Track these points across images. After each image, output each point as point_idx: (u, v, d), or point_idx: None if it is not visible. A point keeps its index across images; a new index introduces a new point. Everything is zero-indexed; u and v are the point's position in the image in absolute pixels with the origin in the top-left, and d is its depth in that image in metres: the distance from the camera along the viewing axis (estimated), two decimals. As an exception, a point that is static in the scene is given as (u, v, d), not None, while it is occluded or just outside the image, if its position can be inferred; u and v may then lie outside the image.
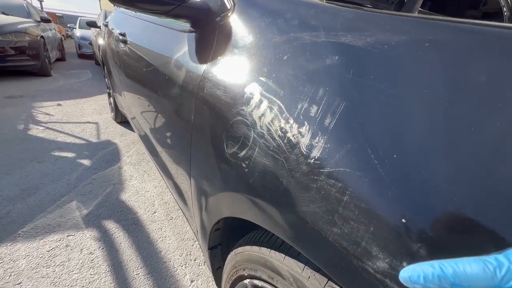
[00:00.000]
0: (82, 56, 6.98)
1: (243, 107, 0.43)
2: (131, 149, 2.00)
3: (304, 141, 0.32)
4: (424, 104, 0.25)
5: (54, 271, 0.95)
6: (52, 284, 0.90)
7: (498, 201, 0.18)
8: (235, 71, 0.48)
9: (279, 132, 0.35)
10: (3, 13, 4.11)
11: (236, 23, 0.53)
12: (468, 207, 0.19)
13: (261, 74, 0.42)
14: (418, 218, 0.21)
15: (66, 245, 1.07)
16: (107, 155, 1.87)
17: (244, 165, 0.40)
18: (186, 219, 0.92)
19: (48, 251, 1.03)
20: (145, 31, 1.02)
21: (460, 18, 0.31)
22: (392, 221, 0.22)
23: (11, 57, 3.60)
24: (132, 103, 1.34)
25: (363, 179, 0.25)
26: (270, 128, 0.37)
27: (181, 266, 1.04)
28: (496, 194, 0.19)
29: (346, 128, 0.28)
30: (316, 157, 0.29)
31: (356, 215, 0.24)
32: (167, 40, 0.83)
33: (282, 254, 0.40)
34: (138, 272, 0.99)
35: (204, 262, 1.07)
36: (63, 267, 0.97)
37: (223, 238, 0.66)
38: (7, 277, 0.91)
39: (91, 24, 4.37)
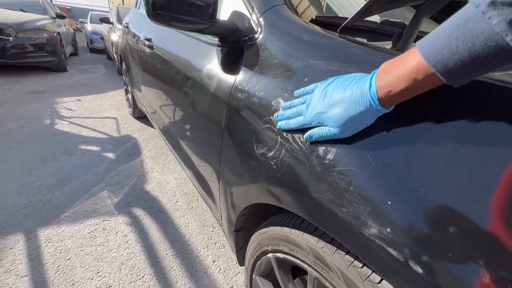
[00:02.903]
0: (93, 50, 7.14)
1: (271, 117, 0.54)
2: (150, 143, 2.15)
3: (321, 147, 0.43)
4: (412, 118, 0.36)
5: (96, 249, 1.11)
6: (96, 260, 1.06)
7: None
8: (263, 85, 0.59)
9: (301, 138, 0.47)
10: (21, 10, 4.27)
11: (263, 44, 0.63)
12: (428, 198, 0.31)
13: (286, 91, 0.53)
14: (399, 201, 0.33)
15: (103, 228, 1.22)
16: (128, 148, 2.02)
17: (272, 163, 0.52)
18: (209, 207, 1.05)
19: (89, 233, 1.19)
20: (174, 39, 1.13)
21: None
22: (380, 203, 0.34)
23: (30, 54, 3.76)
24: (155, 101, 1.47)
25: (363, 176, 0.36)
26: (294, 135, 0.48)
27: (204, 249, 1.18)
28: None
29: (352, 138, 0.40)
30: (331, 159, 0.41)
31: (358, 199, 0.36)
32: (196, 50, 0.94)
33: (301, 232, 0.52)
34: (167, 253, 1.13)
35: (224, 246, 1.21)
36: (103, 246, 1.12)
37: (247, 222, 0.79)
38: (58, 254, 1.07)
39: (104, 20, 4.49)
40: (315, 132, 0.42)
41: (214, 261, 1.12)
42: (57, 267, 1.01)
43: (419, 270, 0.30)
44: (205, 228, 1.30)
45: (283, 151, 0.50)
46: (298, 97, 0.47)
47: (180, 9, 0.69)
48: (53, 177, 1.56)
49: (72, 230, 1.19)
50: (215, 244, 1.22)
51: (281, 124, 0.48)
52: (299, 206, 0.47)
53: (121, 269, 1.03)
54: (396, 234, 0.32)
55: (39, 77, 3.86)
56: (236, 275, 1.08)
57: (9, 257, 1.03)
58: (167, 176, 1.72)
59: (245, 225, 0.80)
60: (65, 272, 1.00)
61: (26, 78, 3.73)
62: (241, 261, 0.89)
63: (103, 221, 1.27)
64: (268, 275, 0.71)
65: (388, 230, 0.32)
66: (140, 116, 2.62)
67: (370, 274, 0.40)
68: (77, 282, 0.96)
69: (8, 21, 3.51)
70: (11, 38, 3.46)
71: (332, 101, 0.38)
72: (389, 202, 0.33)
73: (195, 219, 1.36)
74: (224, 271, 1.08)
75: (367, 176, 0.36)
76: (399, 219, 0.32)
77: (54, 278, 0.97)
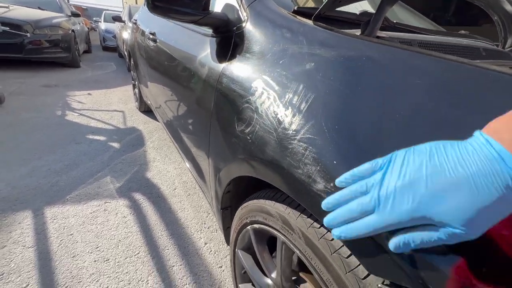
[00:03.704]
0: (106, 48, 7.37)
1: (250, 97, 0.60)
2: (154, 135, 2.23)
3: (287, 120, 0.48)
4: (359, 97, 0.40)
5: (97, 227, 1.18)
6: (96, 236, 1.13)
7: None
8: (245, 70, 0.65)
9: (273, 114, 0.52)
10: (39, 8, 4.48)
11: (248, 32, 0.69)
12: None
13: (264, 73, 0.59)
14: (343, 161, 0.37)
15: (105, 209, 1.30)
16: (133, 139, 2.11)
17: (248, 137, 0.57)
18: (203, 193, 1.11)
19: (91, 213, 1.27)
20: (174, 32, 1.20)
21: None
22: (327, 163, 0.39)
23: (46, 49, 3.94)
24: (158, 94, 1.55)
25: (317, 141, 0.41)
26: (267, 111, 0.53)
27: (197, 232, 1.24)
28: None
29: (312, 111, 0.44)
30: (293, 129, 0.46)
31: (311, 161, 0.41)
32: (193, 42, 1.00)
33: (273, 202, 0.57)
34: (162, 234, 1.20)
35: (216, 230, 1.27)
36: (103, 225, 1.20)
37: (233, 201, 0.84)
38: (62, 229, 1.15)
39: (117, 19, 4.65)
40: (416, 237, 0.26)
41: (206, 243, 1.18)
42: (60, 241, 1.09)
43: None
44: (200, 213, 1.36)
45: (258, 126, 0.55)
46: (346, 185, 0.31)
47: (177, 1, 0.76)
48: (61, 163, 1.66)
49: (76, 209, 1.28)
50: (209, 228, 1.27)
51: (340, 233, 0.30)
52: (267, 173, 0.52)
53: (118, 246, 1.10)
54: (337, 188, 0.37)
55: (53, 72, 4.03)
56: (226, 256, 1.13)
57: (17, 230, 1.11)
58: (168, 165, 1.79)
59: (231, 204, 0.85)
60: (67, 245, 1.07)
61: (41, 73, 3.91)
62: (228, 240, 0.94)
63: (105, 203, 1.35)
64: (249, 248, 0.76)
65: (331, 185, 0.37)
66: (146, 110, 2.72)
67: (326, 233, 0.45)
68: (77, 254, 1.04)
69: (26, 18, 3.70)
70: (28, 34, 3.64)
71: (433, 186, 0.24)
72: (334, 162, 0.38)
73: (191, 205, 1.42)
74: (215, 253, 1.14)
75: (320, 142, 0.41)
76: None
77: (57, 250, 1.05)
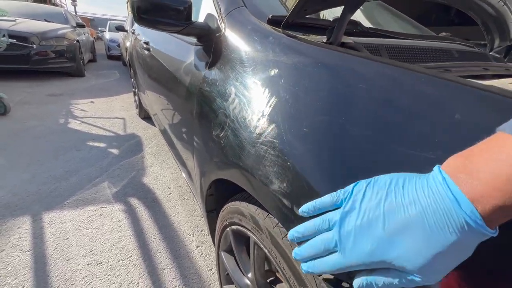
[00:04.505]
0: (111, 57, 7.56)
1: (224, 102, 0.62)
2: (152, 141, 2.28)
3: (253, 124, 0.50)
4: (314, 102, 0.42)
5: (92, 232, 1.21)
6: (90, 240, 1.16)
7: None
8: (221, 76, 0.68)
9: (242, 119, 0.54)
10: (45, 20, 4.65)
11: (225, 41, 0.72)
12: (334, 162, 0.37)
13: (236, 80, 0.61)
14: (297, 162, 0.39)
15: (100, 214, 1.34)
16: (132, 145, 2.16)
17: (222, 142, 0.60)
18: (195, 197, 1.13)
19: (87, 217, 1.30)
20: (164, 41, 1.25)
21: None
22: (284, 164, 0.41)
23: (52, 60, 4.09)
24: (153, 101, 1.59)
25: (276, 144, 0.43)
26: (238, 116, 0.56)
27: (190, 235, 1.26)
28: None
29: (273, 115, 0.47)
30: (257, 133, 0.48)
31: (270, 163, 0.43)
32: (180, 51, 1.04)
33: (246, 203, 0.59)
34: (155, 237, 1.22)
35: (209, 234, 1.29)
36: (98, 229, 1.23)
37: (218, 204, 0.86)
38: (58, 233, 1.18)
39: (120, 28, 4.77)
40: (378, 280, 0.25)
41: (197, 246, 1.20)
42: (56, 244, 1.13)
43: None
44: (193, 217, 1.39)
45: (229, 130, 0.57)
46: (310, 216, 0.32)
47: (161, 13, 0.79)
48: (62, 169, 1.71)
49: (73, 214, 1.31)
50: (201, 231, 1.29)
51: (307, 268, 0.30)
52: (237, 175, 0.54)
53: (111, 249, 1.13)
54: (289, 187, 0.39)
55: (59, 81, 4.16)
56: (217, 259, 1.15)
57: (16, 235, 1.15)
58: (165, 171, 1.82)
59: (216, 207, 0.87)
60: (62, 249, 1.11)
61: (47, 82, 4.04)
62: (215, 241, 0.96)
63: (101, 208, 1.38)
64: (231, 250, 0.78)
65: (284, 185, 0.39)
66: (146, 117, 2.78)
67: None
68: (71, 258, 1.07)
69: (32, 30, 3.84)
70: (34, 46, 3.77)
71: (390, 227, 0.24)
72: (288, 163, 0.40)
73: (185, 209, 1.45)
74: (206, 255, 1.16)
75: (278, 144, 0.43)
76: (294, 175, 0.39)
77: (53, 254, 1.08)
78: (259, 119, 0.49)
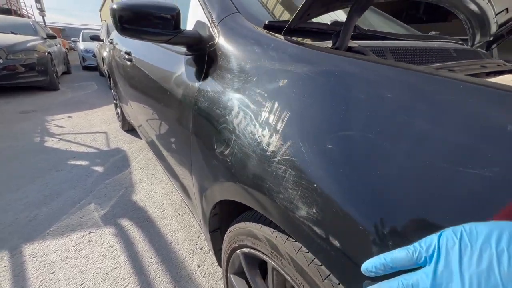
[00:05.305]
0: (86, 68, 7.23)
1: (227, 117, 0.57)
2: (139, 155, 2.16)
3: (265, 140, 0.46)
4: (335, 114, 0.39)
5: (81, 262, 1.11)
6: (81, 272, 1.06)
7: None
8: (220, 88, 0.63)
9: (250, 135, 0.49)
10: (12, 32, 4.35)
11: (220, 50, 0.67)
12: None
13: (238, 91, 0.57)
14: (324, 185, 0.35)
15: (89, 240, 1.23)
16: (117, 161, 2.04)
17: (228, 160, 0.55)
18: (192, 213, 1.06)
19: (74, 246, 1.19)
20: (148, 52, 1.18)
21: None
22: (310, 187, 0.37)
23: (21, 74, 3.82)
24: (138, 113, 1.50)
25: (296, 163, 0.39)
26: (245, 132, 0.51)
27: (189, 254, 1.19)
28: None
29: (289, 131, 0.43)
30: (271, 150, 0.44)
31: (292, 185, 0.39)
32: (168, 60, 0.98)
33: (259, 224, 0.55)
34: (152, 261, 1.14)
35: (209, 251, 1.22)
36: (88, 258, 1.13)
37: (222, 223, 0.80)
38: (42, 268, 1.07)
39: (95, 38, 4.57)
40: None
41: (199, 266, 1.13)
42: (41, 281, 1.01)
43: (337, 244, 0.32)
44: (191, 234, 1.31)
45: (236, 147, 0.52)
46: (376, 275, 0.27)
47: (146, 22, 0.73)
48: (40, 193, 1.57)
49: (58, 244, 1.20)
50: (201, 249, 1.22)
51: None
52: (249, 198, 0.49)
53: (105, 280, 1.03)
54: (320, 213, 0.34)
55: (31, 97, 3.90)
56: (221, 278, 1.08)
57: (-8, 274, 1.03)
58: (155, 185, 1.73)
59: (220, 226, 0.81)
60: (48, 286, 1.00)
61: (18, 98, 3.77)
62: (220, 262, 0.90)
63: (89, 233, 1.28)
64: (242, 272, 0.72)
65: (314, 211, 0.35)
66: (130, 129, 2.65)
67: (314, 258, 0.42)
68: (60, 294, 0.97)
69: (-2, 43, 3.58)
70: (1, 60, 3.51)
71: None
72: (315, 185, 0.36)
73: (182, 226, 1.37)
74: (209, 275, 1.09)
75: (298, 163, 0.39)
76: (323, 200, 0.35)
77: (37, 292, 0.97)
78: (271, 135, 0.45)
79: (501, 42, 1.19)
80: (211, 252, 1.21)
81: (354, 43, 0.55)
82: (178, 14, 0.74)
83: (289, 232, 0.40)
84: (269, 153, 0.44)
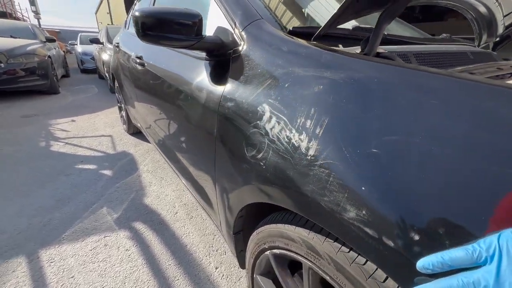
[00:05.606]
0: (84, 71, 7.20)
1: (258, 122, 0.59)
2: (146, 158, 2.17)
3: (303, 145, 0.47)
4: (376, 120, 0.40)
5: (99, 265, 1.12)
6: (100, 275, 1.07)
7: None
8: (248, 93, 0.64)
9: (286, 139, 0.51)
10: (11, 36, 4.33)
11: (246, 56, 0.69)
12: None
13: (270, 97, 0.58)
14: (371, 186, 0.37)
15: (105, 244, 1.24)
16: (125, 164, 2.04)
17: (261, 163, 0.56)
18: (208, 215, 1.08)
19: (91, 250, 1.20)
20: (163, 56, 1.19)
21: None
22: (357, 189, 0.38)
23: (22, 78, 3.80)
24: (149, 116, 1.51)
25: (340, 167, 0.41)
26: (279, 136, 0.53)
27: (206, 256, 1.20)
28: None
29: (329, 135, 0.44)
30: (312, 155, 0.45)
31: (337, 188, 0.40)
32: (186, 65, 0.99)
33: (293, 226, 0.56)
34: (170, 263, 1.15)
35: (225, 252, 1.23)
36: (106, 262, 1.14)
37: (245, 225, 0.82)
38: (61, 273, 1.08)
39: (95, 41, 4.56)
40: None
41: (216, 268, 1.14)
42: (61, 286, 1.02)
43: (391, 244, 0.34)
44: (205, 236, 1.32)
45: (271, 151, 0.54)
46: (433, 272, 0.28)
47: (168, 28, 0.75)
48: (52, 198, 1.57)
49: (74, 248, 1.20)
50: (217, 251, 1.24)
51: None
52: (288, 200, 0.51)
53: (124, 283, 1.04)
54: (371, 215, 0.36)
55: (32, 101, 3.88)
56: (239, 279, 1.10)
57: (12, 280, 1.03)
58: (166, 188, 1.74)
59: (243, 228, 0.83)
60: (69, 290, 1.00)
61: (19, 103, 3.75)
62: (242, 263, 0.91)
63: (104, 237, 1.28)
64: (269, 272, 0.74)
65: (364, 212, 0.37)
66: (135, 132, 2.65)
67: (356, 257, 0.44)
68: (82, 299, 0.97)
69: (-1, 48, 3.56)
70: (2, 65, 3.49)
71: None
72: (363, 188, 0.38)
73: (196, 228, 1.38)
74: (227, 277, 1.10)
75: (342, 167, 0.41)
76: (372, 202, 0.36)
77: (59, 297, 0.98)
78: (310, 139, 0.46)
79: (507, 43, 1.22)
80: (227, 254, 1.22)
81: (382, 49, 0.57)
82: (201, 20, 0.75)
83: (336, 233, 0.42)
84: (309, 157, 0.46)
